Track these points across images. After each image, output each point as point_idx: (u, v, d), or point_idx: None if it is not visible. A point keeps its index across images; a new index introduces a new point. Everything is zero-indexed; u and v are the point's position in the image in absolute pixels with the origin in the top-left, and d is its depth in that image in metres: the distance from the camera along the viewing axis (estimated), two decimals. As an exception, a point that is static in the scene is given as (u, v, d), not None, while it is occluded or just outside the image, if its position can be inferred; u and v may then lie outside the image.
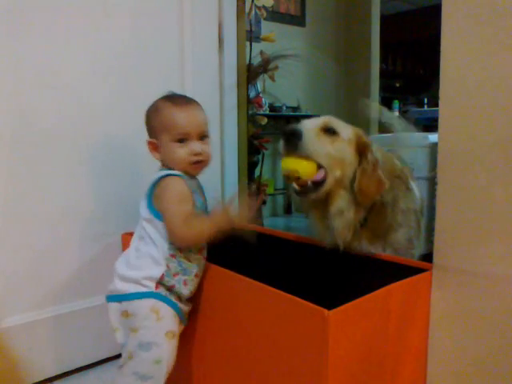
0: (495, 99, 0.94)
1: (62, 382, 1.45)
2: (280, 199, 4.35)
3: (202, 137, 1.10)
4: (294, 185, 1.13)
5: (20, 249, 1.38)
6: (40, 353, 1.43)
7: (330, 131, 1.15)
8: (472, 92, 0.98)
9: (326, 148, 1.12)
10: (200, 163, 1.10)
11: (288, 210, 4.38)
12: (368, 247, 1.20)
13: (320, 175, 1.11)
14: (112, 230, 1.53)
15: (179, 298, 1.07)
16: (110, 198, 1.54)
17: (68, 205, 1.45)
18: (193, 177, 1.12)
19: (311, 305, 0.87)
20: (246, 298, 1.03)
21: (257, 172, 2.30)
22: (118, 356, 1.58)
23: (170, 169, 1.08)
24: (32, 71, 1.36)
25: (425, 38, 5.31)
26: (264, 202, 2.26)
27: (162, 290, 1.04)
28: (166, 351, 1.03)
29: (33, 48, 1.35)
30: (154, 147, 1.10)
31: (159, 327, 1.03)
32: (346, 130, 1.18)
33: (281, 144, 1.11)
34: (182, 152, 1.07)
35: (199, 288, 1.14)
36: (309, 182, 1.11)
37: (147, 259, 1.05)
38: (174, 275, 1.05)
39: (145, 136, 1.14)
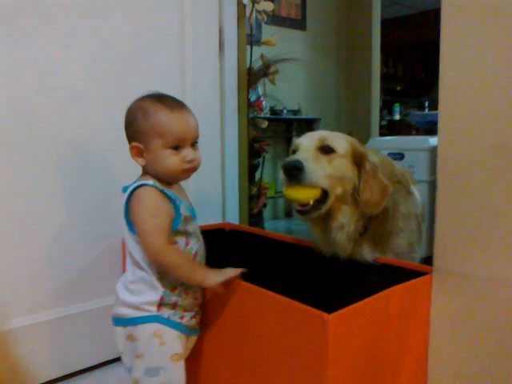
0: (495, 102, 0.95)
1: (62, 385, 1.46)
2: (281, 202, 4.35)
3: (195, 143, 1.05)
4: (296, 205, 1.12)
5: (21, 251, 1.38)
6: (41, 355, 1.43)
7: (326, 149, 1.14)
8: (471, 95, 0.98)
9: (326, 170, 1.11)
10: (191, 170, 1.05)
11: (289, 213, 4.39)
12: (369, 255, 1.20)
13: (321, 195, 1.11)
14: (113, 233, 1.54)
15: (185, 309, 1.05)
16: (112, 200, 1.54)
17: (69, 207, 1.46)
18: (175, 182, 1.08)
19: (311, 309, 0.88)
20: (246, 302, 1.04)
21: (257, 175, 2.30)
22: (119, 359, 1.59)
23: (152, 176, 1.03)
24: (32, 73, 1.36)
25: (425, 41, 5.34)
26: (265, 205, 2.26)
27: (164, 312, 1.01)
28: (173, 374, 1.01)
29: (33, 49, 1.36)
30: (139, 152, 1.03)
31: (164, 351, 1.00)
32: (341, 144, 1.17)
33: (281, 175, 1.10)
34: (175, 159, 1.01)
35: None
36: (310, 202, 1.10)
37: (143, 284, 1.01)
38: (172, 290, 1.02)
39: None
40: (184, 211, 1.03)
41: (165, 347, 1.00)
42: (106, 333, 1.55)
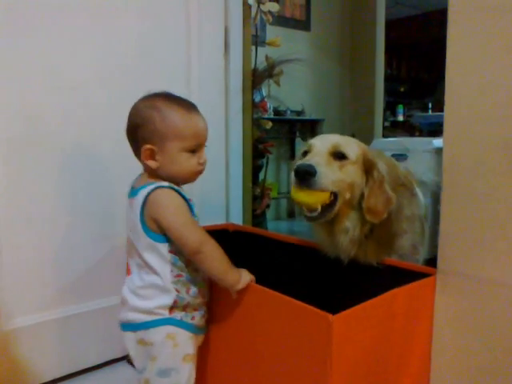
0: (500, 104, 0.95)
1: (66, 384, 1.46)
2: (284, 203, 4.35)
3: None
4: (304, 210, 1.12)
5: (26, 250, 1.39)
6: (45, 354, 1.44)
7: (338, 155, 1.14)
8: (477, 97, 0.98)
9: (337, 176, 1.11)
10: (202, 172, 1.06)
11: (291, 213, 4.39)
12: (373, 257, 1.20)
13: (330, 199, 1.11)
14: (119, 233, 1.54)
15: (195, 308, 1.05)
16: (117, 200, 1.54)
17: (75, 207, 1.47)
18: (184, 184, 1.07)
19: (316, 310, 0.88)
20: (251, 302, 1.04)
21: (261, 176, 2.30)
22: (123, 358, 1.60)
23: (162, 179, 1.01)
24: (38, 73, 1.37)
25: (429, 42, 5.32)
26: (268, 206, 2.26)
27: (176, 314, 1.01)
28: (184, 375, 1.02)
29: (39, 49, 1.37)
30: (152, 154, 1.00)
31: (177, 353, 1.01)
32: (353, 150, 1.17)
33: (292, 178, 1.10)
34: (193, 162, 1.01)
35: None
36: (319, 208, 1.10)
37: (154, 289, 1.00)
38: (187, 291, 1.02)
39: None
40: (196, 212, 1.04)
41: (178, 349, 1.01)
42: (112, 332, 1.56)
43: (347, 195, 1.14)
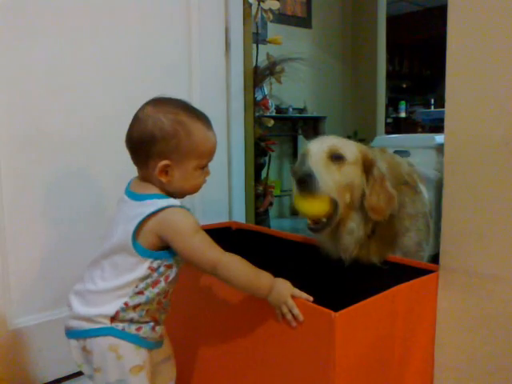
0: (502, 100, 0.95)
1: (72, 383, 1.47)
2: (286, 201, 4.35)
3: None
4: (308, 221, 1.13)
5: (31, 250, 1.39)
6: (51, 353, 1.44)
7: (336, 157, 1.14)
8: (478, 92, 0.98)
9: (336, 178, 1.11)
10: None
11: (294, 211, 4.38)
12: (376, 257, 1.20)
13: (332, 207, 1.12)
14: (121, 232, 1.55)
15: (140, 323, 0.95)
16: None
17: (78, 207, 1.47)
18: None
19: (318, 307, 0.88)
20: (254, 299, 1.04)
21: (263, 173, 2.30)
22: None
23: (167, 195, 0.96)
24: (40, 72, 1.38)
25: (431, 38, 5.30)
26: (271, 204, 2.26)
27: (118, 324, 0.93)
28: None
29: (41, 49, 1.37)
30: (165, 170, 0.94)
31: (121, 365, 0.92)
32: (351, 151, 1.17)
33: (293, 185, 1.11)
34: (202, 179, 0.99)
35: (207, 291, 1.15)
36: (323, 220, 1.12)
37: (103, 296, 0.93)
38: (135, 308, 0.93)
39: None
40: None
41: (123, 360, 0.92)
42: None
43: (347, 198, 1.14)
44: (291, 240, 1.47)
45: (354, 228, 1.17)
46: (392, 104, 6.10)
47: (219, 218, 1.73)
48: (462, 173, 1.02)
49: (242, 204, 1.97)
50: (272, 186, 2.30)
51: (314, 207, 1.10)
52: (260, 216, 2.15)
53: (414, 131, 5.17)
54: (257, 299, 0.96)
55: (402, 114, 6.16)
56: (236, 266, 0.93)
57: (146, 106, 0.96)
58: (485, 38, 0.96)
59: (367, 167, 1.17)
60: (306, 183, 1.08)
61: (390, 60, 5.56)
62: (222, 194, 1.88)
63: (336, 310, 0.85)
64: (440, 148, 2.10)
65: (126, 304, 0.92)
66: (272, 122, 2.23)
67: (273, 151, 2.33)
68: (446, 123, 1.03)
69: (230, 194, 1.91)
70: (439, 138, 2.28)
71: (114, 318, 0.92)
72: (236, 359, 1.13)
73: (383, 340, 0.97)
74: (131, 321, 0.94)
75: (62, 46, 1.41)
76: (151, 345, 0.98)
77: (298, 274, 1.14)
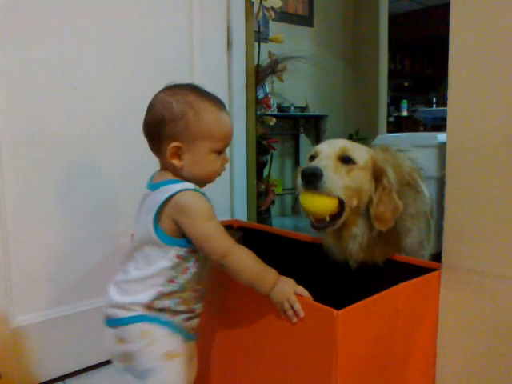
0: (504, 98, 0.94)
1: (74, 380, 1.47)
2: (288, 199, 4.35)
3: None
4: (311, 218, 1.11)
5: (34, 249, 1.40)
6: (53, 351, 1.45)
7: (346, 159, 1.12)
8: (481, 91, 0.98)
9: (344, 180, 1.09)
10: (222, 172, 1.02)
11: (296, 210, 4.37)
12: (379, 259, 1.19)
13: (338, 208, 1.10)
14: (123, 230, 1.55)
15: (175, 313, 0.96)
16: (122, 198, 1.56)
17: (81, 205, 1.48)
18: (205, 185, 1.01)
19: (320, 305, 0.88)
20: (255, 297, 1.04)
21: (265, 172, 2.30)
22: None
23: (183, 180, 0.95)
24: (42, 71, 1.38)
25: (433, 37, 5.30)
26: (273, 202, 2.27)
27: (150, 312, 0.94)
28: (168, 375, 0.95)
29: (43, 48, 1.37)
30: (178, 153, 0.93)
31: (153, 351, 0.93)
32: (362, 156, 1.15)
33: (299, 182, 1.07)
34: (218, 163, 0.97)
35: (208, 289, 1.15)
36: (327, 218, 1.09)
37: (136, 284, 0.95)
38: (169, 296, 0.94)
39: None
40: None
41: (154, 346, 0.94)
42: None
43: (354, 202, 1.12)
44: (293, 238, 1.47)
45: (357, 234, 1.15)
46: (394, 103, 6.10)
47: (221, 216, 1.71)
48: (464, 171, 1.02)
49: (244, 202, 1.97)
50: (274, 185, 2.30)
51: (319, 205, 1.07)
52: (262, 214, 2.15)
53: (416, 130, 5.16)
54: (259, 296, 0.96)
55: (404, 113, 6.16)
56: (244, 259, 0.93)
57: (158, 93, 0.97)
58: (488, 36, 0.96)
59: (377, 174, 1.15)
60: (313, 180, 1.05)
61: (391, 58, 5.56)
62: (223, 192, 1.88)
63: (338, 308, 0.86)
64: (442, 146, 2.10)
65: (159, 292, 0.93)
66: (274, 120, 2.23)
67: (275, 149, 2.33)
68: (448, 122, 1.03)
69: (232, 192, 1.91)
70: (441, 137, 2.28)
71: (147, 307, 0.93)
72: (238, 357, 1.13)
73: (385, 338, 0.97)
74: (165, 310, 0.94)
75: (64, 45, 1.41)
76: (184, 334, 0.99)
77: (299, 273, 1.14)
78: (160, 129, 0.93)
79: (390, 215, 1.13)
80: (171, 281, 0.94)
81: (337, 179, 1.08)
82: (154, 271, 0.93)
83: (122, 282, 0.97)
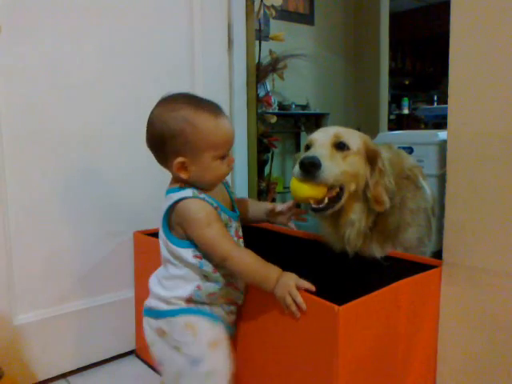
0: (505, 95, 0.95)
1: (76, 378, 1.48)
2: (289, 197, 4.34)
3: None
4: (311, 202, 1.11)
5: (35, 247, 1.40)
6: (55, 348, 1.45)
7: (340, 146, 1.14)
8: (481, 88, 0.98)
9: (341, 167, 1.11)
10: (230, 171, 1.03)
11: (297, 207, 4.37)
12: (378, 251, 1.21)
13: (336, 190, 1.12)
14: (124, 229, 1.56)
15: (215, 306, 1.01)
16: (123, 196, 1.56)
17: (82, 204, 1.48)
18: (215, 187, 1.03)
19: (322, 300, 0.89)
20: (257, 293, 1.05)
21: (266, 170, 2.31)
22: (132, 352, 1.62)
23: (186, 187, 0.98)
24: (44, 70, 1.38)
25: (434, 35, 5.28)
26: (273, 200, 2.27)
27: (192, 305, 0.99)
28: (214, 363, 0.99)
29: (45, 47, 1.38)
30: (184, 166, 0.96)
31: (199, 341, 0.97)
32: (355, 141, 1.17)
33: (296, 171, 1.09)
34: (224, 167, 0.99)
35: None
36: (325, 199, 1.10)
37: (176, 280, 0.99)
38: (207, 291, 0.99)
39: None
40: (224, 217, 1.00)
41: (199, 336, 0.98)
42: (120, 326, 1.58)
43: (352, 187, 1.14)
44: (294, 235, 1.47)
45: (355, 220, 1.17)
46: (395, 101, 6.08)
47: (222, 215, 1.73)
48: (465, 169, 1.02)
49: (245, 200, 1.97)
50: (275, 183, 2.31)
51: (316, 191, 1.08)
52: (263, 212, 2.15)
53: (417, 128, 5.16)
54: (261, 293, 0.96)
55: (405, 111, 6.14)
56: (245, 262, 0.96)
57: (155, 107, 0.99)
58: (488, 34, 0.96)
59: (371, 158, 1.18)
60: (310, 171, 1.06)
61: (392, 57, 5.54)
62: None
63: (339, 303, 0.86)
64: (443, 144, 2.10)
65: (198, 287, 0.98)
66: (275, 118, 2.23)
67: (276, 148, 2.33)
68: (449, 120, 1.03)
69: (233, 190, 1.91)
70: (442, 135, 2.28)
71: (189, 300, 0.98)
72: (240, 353, 1.14)
73: (386, 334, 0.98)
74: (206, 303, 0.99)
75: (64, 43, 1.41)
76: (224, 323, 1.03)
77: (300, 269, 1.14)
78: (162, 146, 0.96)
79: (386, 196, 1.15)
80: (205, 276, 0.98)
81: (334, 168, 1.10)
82: (186, 271, 0.98)
83: (163, 277, 1.02)
